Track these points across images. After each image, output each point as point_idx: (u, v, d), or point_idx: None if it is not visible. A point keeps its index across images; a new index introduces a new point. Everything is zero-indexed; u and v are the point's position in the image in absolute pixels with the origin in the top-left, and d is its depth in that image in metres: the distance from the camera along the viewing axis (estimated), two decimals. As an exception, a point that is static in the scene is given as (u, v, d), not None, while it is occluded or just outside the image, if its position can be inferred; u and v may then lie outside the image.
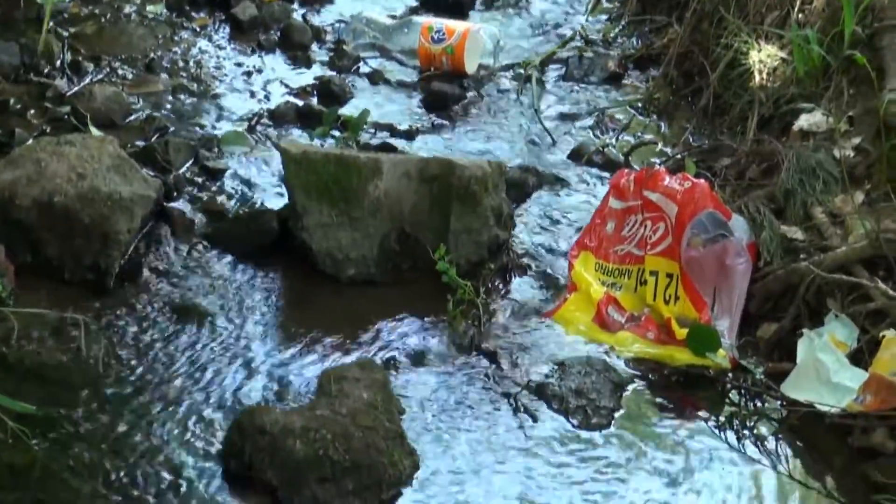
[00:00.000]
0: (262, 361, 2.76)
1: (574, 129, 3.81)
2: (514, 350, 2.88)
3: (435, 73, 3.99)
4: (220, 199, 3.28)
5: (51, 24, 3.81)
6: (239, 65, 3.97)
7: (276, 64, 4.02)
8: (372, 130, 3.65)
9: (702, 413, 2.75)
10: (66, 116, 3.49)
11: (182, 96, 3.75)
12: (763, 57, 3.61)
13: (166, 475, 2.43)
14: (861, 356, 2.72)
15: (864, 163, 3.15)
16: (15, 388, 2.53)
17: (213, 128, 3.60)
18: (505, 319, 2.98)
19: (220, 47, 4.07)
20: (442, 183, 3.05)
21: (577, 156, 3.65)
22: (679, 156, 3.56)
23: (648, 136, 3.78)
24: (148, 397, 2.62)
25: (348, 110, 3.70)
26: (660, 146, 3.71)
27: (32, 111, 3.53)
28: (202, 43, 4.08)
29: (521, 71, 4.06)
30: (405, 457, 2.48)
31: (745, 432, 2.69)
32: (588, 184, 3.52)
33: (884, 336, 2.66)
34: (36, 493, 2.35)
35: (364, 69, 4.04)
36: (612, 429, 2.68)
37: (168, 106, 3.68)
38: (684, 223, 2.96)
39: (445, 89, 3.90)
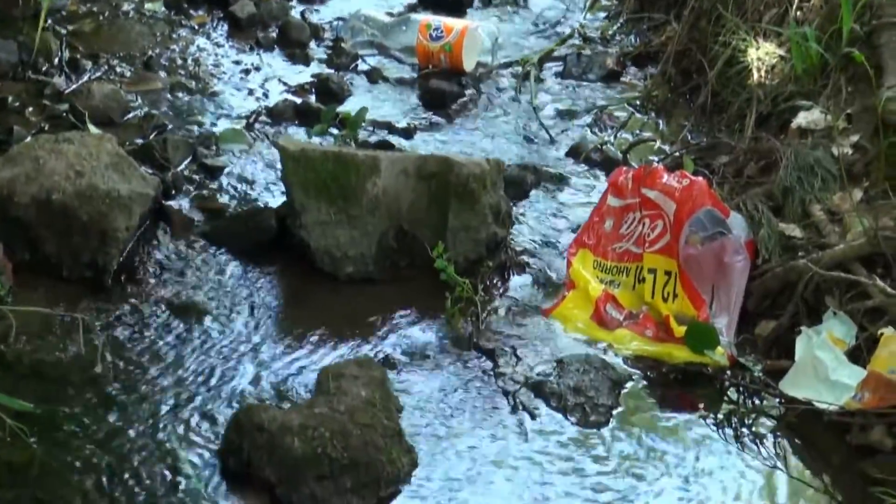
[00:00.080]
0: (260, 359, 2.76)
1: (572, 127, 3.81)
2: (512, 348, 2.88)
3: (433, 70, 3.99)
4: (219, 196, 3.28)
5: (49, 21, 3.81)
6: (237, 62, 3.97)
7: (274, 62, 4.02)
8: (370, 128, 3.65)
9: (700, 411, 2.75)
10: (64, 114, 3.49)
11: (180, 94, 3.75)
12: (761, 54, 3.61)
13: (164, 473, 2.43)
14: (859, 354, 2.72)
15: (862, 160, 3.16)
16: (13, 386, 2.53)
17: (212, 125, 3.60)
18: (503, 317, 2.98)
19: (218, 45, 4.07)
20: (440, 181, 3.05)
21: (575, 153, 3.65)
22: (677, 153, 3.56)
23: (647, 134, 3.78)
24: (146, 395, 2.63)
25: (346, 108, 3.70)
26: (658, 144, 3.72)
27: (31, 109, 3.53)
28: (200, 41, 4.08)
29: (520, 68, 4.06)
30: (403, 454, 2.48)
31: (744, 430, 2.69)
32: (586, 181, 3.52)
33: (882, 333, 2.66)
34: (34, 490, 2.35)
35: (362, 67, 4.04)
36: (611, 426, 2.68)
37: (166, 104, 3.68)
38: (682, 221, 2.95)
39: (444, 87, 3.89)
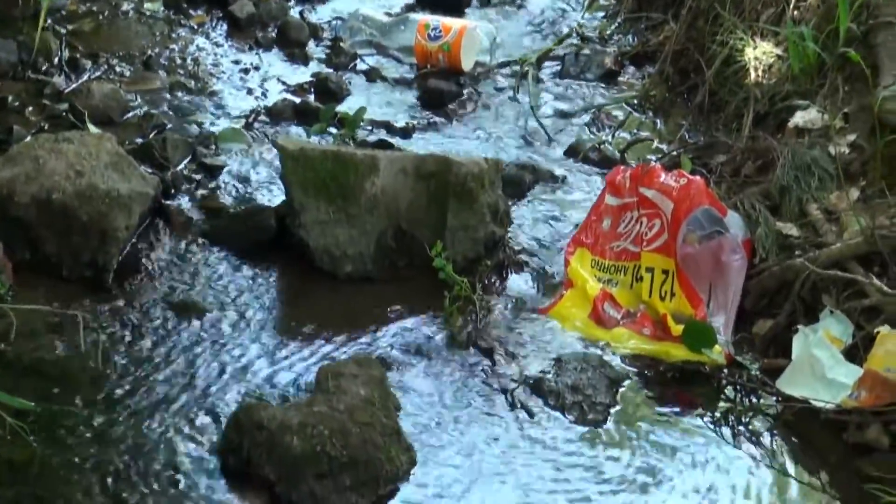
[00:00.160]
0: (259, 358, 2.77)
1: (570, 126, 3.81)
2: (510, 346, 2.88)
3: (431, 70, 3.99)
4: (218, 196, 3.28)
5: (49, 21, 3.81)
6: (236, 62, 3.98)
7: (273, 61, 4.02)
8: (369, 127, 3.65)
9: (697, 409, 2.76)
10: (64, 114, 3.50)
11: (180, 93, 3.75)
12: (758, 54, 3.62)
13: (164, 471, 2.43)
14: (856, 352, 2.72)
15: (858, 159, 3.16)
16: (13, 385, 2.53)
17: (211, 125, 3.60)
18: (501, 316, 2.99)
19: (217, 45, 4.08)
20: (439, 180, 3.06)
21: (573, 153, 3.65)
22: (675, 152, 3.57)
23: (644, 133, 3.79)
24: (146, 393, 2.63)
25: (345, 107, 3.71)
26: (656, 143, 3.72)
27: (30, 108, 3.54)
28: (200, 40, 4.08)
29: (518, 68, 4.07)
30: (402, 452, 2.49)
31: (741, 428, 2.69)
32: (584, 181, 3.53)
33: (878, 332, 2.66)
34: (35, 488, 2.35)
35: (361, 66, 4.04)
36: (608, 424, 2.69)
37: (166, 103, 3.68)
38: (680, 220, 2.96)
39: (442, 86, 3.90)
